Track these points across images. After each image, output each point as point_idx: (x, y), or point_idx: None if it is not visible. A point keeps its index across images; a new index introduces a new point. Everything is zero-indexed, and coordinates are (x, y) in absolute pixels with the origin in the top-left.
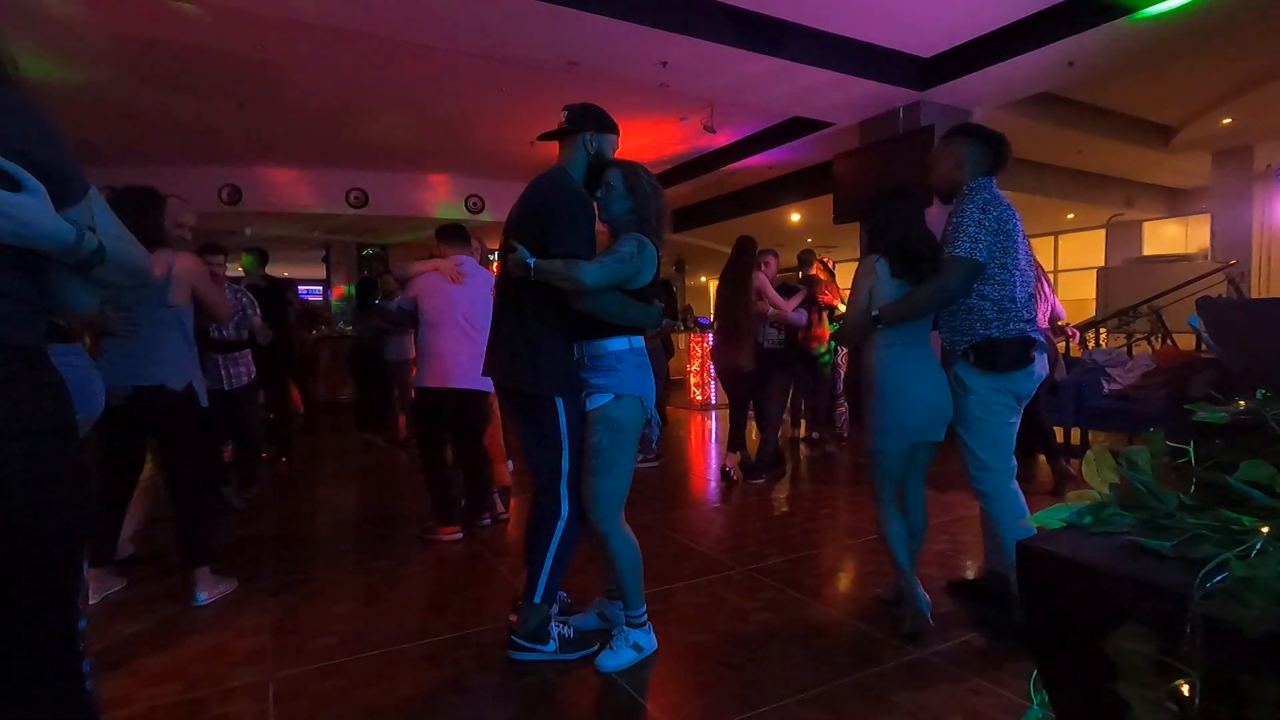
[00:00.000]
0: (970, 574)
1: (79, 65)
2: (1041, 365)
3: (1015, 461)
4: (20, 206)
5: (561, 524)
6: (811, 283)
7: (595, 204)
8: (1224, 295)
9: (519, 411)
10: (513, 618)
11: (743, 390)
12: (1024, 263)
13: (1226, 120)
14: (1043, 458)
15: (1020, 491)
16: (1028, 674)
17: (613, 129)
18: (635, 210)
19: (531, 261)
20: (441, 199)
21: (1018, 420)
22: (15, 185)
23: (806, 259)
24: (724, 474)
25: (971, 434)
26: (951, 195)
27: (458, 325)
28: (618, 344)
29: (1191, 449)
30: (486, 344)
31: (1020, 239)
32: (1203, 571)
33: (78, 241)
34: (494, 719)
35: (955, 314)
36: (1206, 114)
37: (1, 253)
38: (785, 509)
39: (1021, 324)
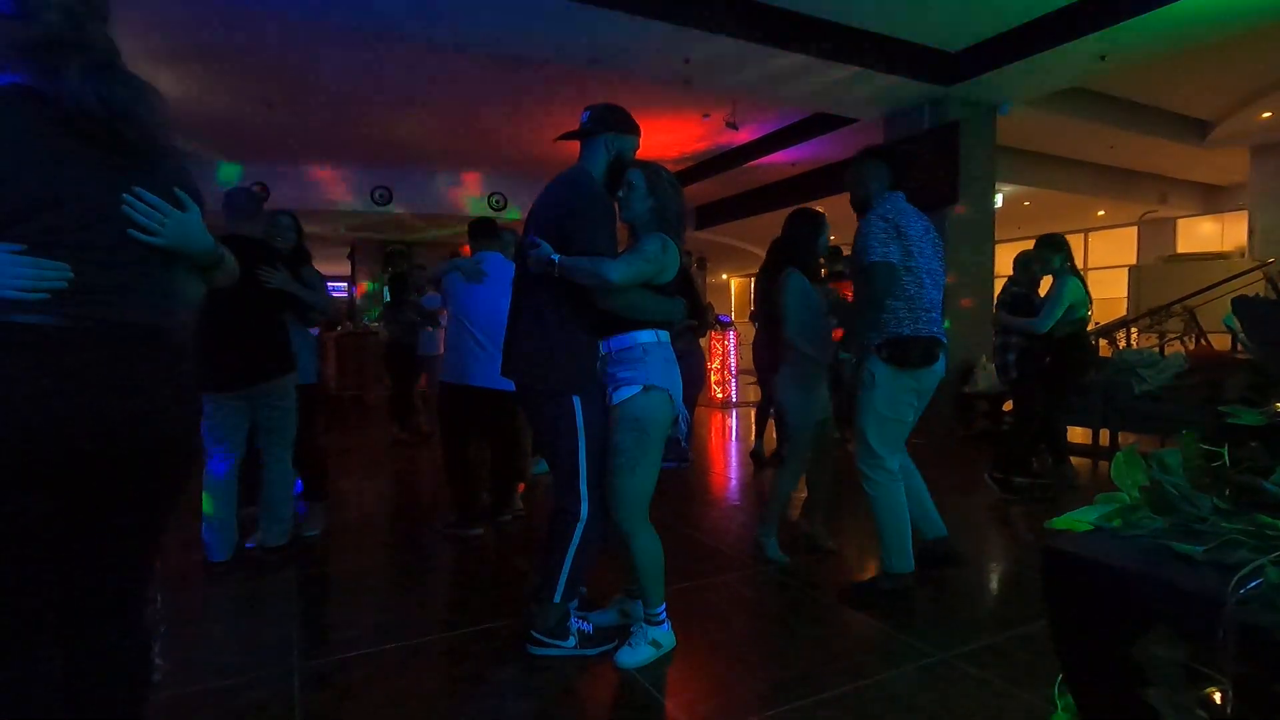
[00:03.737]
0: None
1: None
2: (942, 364)
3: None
4: (189, 222)
5: (581, 525)
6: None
7: (616, 203)
8: (1262, 295)
9: (536, 409)
10: (530, 606)
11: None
12: (930, 265)
13: (1266, 114)
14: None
15: (902, 484)
16: (1052, 678)
17: (634, 130)
18: (657, 209)
19: (556, 258)
20: (465, 196)
21: (915, 419)
22: (182, 206)
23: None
24: (755, 456)
25: (870, 427)
26: (865, 210)
27: (477, 324)
28: (645, 336)
29: (1226, 452)
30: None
31: (922, 243)
32: (1237, 577)
33: (215, 249)
34: (514, 713)
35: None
36: (1245, 108)
37: (154, 254)
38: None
39: (931, 324)
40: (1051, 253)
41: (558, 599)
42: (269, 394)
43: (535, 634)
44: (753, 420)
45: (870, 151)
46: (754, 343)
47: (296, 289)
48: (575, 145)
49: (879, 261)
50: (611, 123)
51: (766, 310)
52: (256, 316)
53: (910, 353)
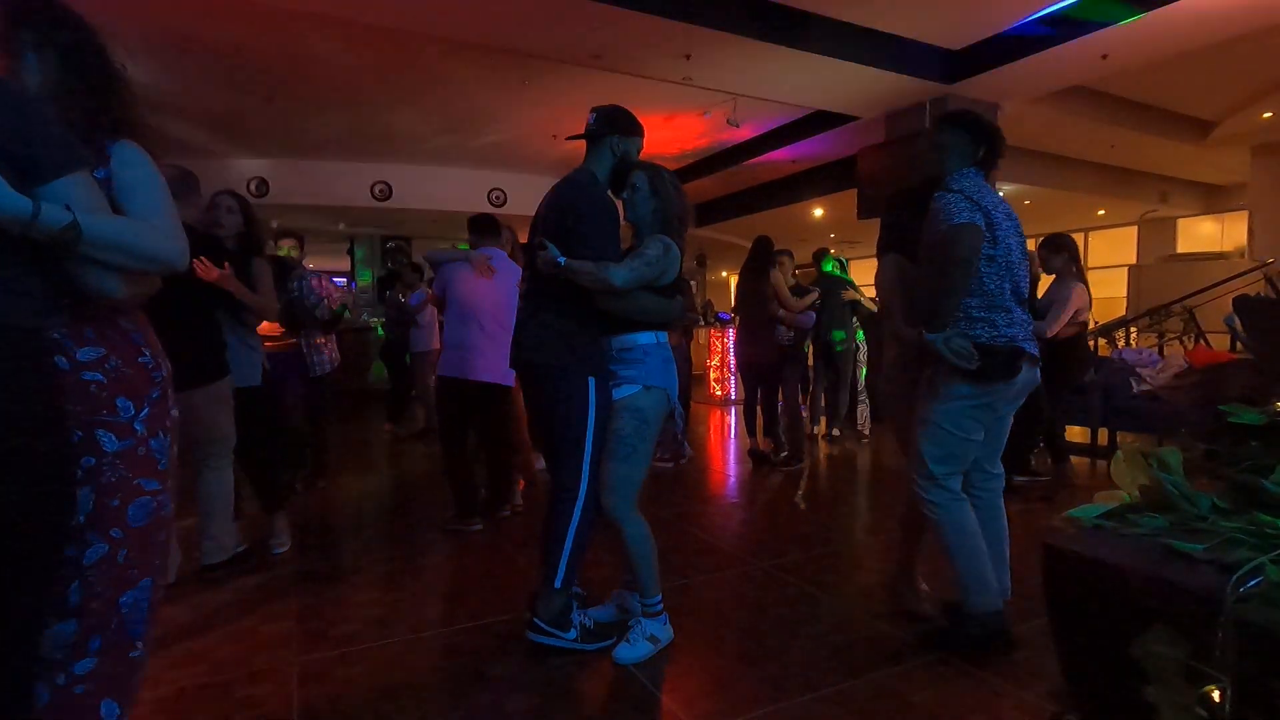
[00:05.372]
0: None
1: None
2: (1028, 377)
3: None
4: None
5: (580, 502)
6: (826, 283)
7: (620, 204)
8: (1261, 294)
9: (548, 390)
10: (530, 610)
11: (763, 381)
12: (1014, 259)
13: (1267, 114)
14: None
15: (967, 504)
16: (1052, 676)
17: (639, 132)
18: (659, 210)
19: (562, 260)
20: (464, 192)
21: (981, 436)
22: None
23: (821, 257)
24: (754, 455)
25: (929, 441)
26: (939, 190)
27: (483, 319)
28: (645, 338)
29: (1225, 451)
30: (512, 337)
31: (1008, 234)
32: (1236, 575)
33: (32, 214)
34: (512, 708)
35: None
36: (1246, 107)
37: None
38: (805, 506)
39: (1014, 329)
40: (1052, 253)
41: (559, 583)
42: (190, 403)
43: (538, 621)
44: (754, 417)
45: (949, 120)
46: (737, 343)
47: (234, 287)
48: (578, 143)
49: (965, 223)
50: (617, 124)
51: (751, 307)
52: (176, 316)
53: (983, 364)
